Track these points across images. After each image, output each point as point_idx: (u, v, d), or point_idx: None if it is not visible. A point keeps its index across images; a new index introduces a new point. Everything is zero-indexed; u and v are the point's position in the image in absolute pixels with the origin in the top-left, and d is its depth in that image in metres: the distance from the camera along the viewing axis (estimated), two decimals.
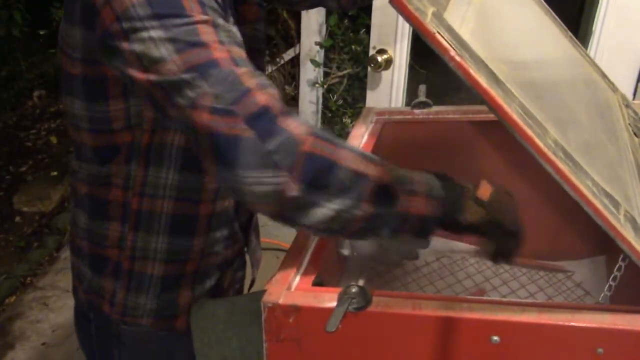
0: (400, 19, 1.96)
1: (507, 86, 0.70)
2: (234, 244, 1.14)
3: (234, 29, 0.87)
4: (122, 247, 1.06)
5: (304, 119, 0.82)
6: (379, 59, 2.03)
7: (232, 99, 0.77)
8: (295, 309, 0.74)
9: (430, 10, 0.71)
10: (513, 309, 0.69)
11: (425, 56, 2.71)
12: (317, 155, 0.78)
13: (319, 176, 0.78)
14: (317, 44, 2.75)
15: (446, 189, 0.83)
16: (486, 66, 0.71)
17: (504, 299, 0.72)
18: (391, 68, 2.05)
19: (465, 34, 0.74)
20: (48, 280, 2.81)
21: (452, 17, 0.76)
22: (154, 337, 1.14)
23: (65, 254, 2.92)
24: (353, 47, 2.79)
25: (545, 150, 0.67)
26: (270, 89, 0.80)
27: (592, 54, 1.89)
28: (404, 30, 1.99)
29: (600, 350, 0.66)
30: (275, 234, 2.88)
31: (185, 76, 0.78)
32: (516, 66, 0.86)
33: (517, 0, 1.09)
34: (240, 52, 0.82)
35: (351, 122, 2.86)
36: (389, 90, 2.10)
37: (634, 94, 1.90)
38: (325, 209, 0.78)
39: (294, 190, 0.77)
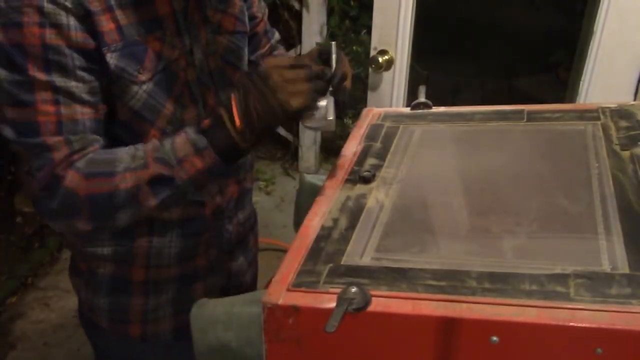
0: (402, 19, 1.97)
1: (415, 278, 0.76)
2: (192, 258, 1.16)
3: (86, 77, 0.94)
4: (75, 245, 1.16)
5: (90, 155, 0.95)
6: (380, 59, 2.03)
7: (37, 167, 0.92)
8: (295, 310, 0.74)
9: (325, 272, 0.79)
10: (513, 309, 0.69)
11: (427, 57, 2.71)
12: (94, 194, 0.92)
13: (104, 208, 0.93)
14: (318, 44, 2.75)
15: (209, 131, 0.93)
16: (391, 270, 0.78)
17: (504, 299, 0.72)
18: (392, 69, 2.05)
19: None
20: (49, 280, 2.81)
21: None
22: (112, 341, 1.21)
23: (67, 254, 2.92)
24: (354, 48, 2.80)
25: (464, 310, 0.70)
26: (77, 142, 0.93)
27: (593, 54, 1.89)
28: (405, 31, 1.99)
29: (599, 350, 0.66)
30: (276, 234, 2.88)
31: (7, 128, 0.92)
32: (449, 202, 0.95)
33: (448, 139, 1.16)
34: (72, 113, 0.92)
35: (352, 123, 2.86)
36: (390, 91, 2.10)
37: (635, 95, 1.90)
38: (123, 216, 0.94)
39: (87, 226, 0.95)
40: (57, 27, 0.89)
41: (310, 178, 1.17)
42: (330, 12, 2.76)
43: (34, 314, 2.62)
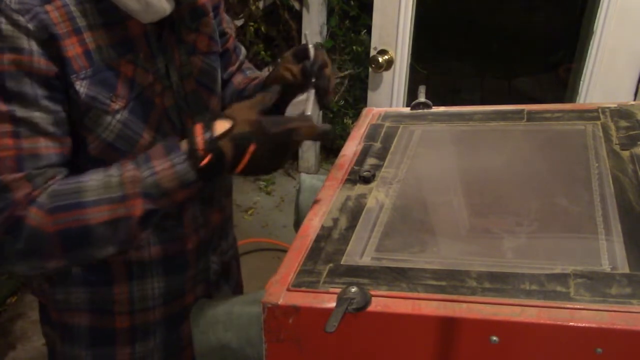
0: (402, 19, 1.97)
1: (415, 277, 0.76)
2: (180, 297, 1.11)
3: (51, 107, 0.86)
4: (46, 296, 1.08)
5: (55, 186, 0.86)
6: (380, 59, 2.03)
7: None
8: (295, 310, 0.74)
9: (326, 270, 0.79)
10: (513, 309, 0.69)
11: (426, 57, 2.71)
12: (64, 229, 0.83)
13: (78, 243, 0.85)
14: (318, 44, 2.75)
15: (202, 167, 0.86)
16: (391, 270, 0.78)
17: (504, 299, 0.72)
18: (392, 69, 2.05)
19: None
20: None
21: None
22: None
23: None
24: (354, 47, 2.80)
25: (463, 308, 0.70)
26: (39, 178, 0.85)
27: (592, 55, 1.89)
28: (405, 30, 1.99)
29: (599, 350, 0.66)
30: (276, 234, 2.88)
31: None
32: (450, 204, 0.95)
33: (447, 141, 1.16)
34: (35, 147, 0.85)
35: (352, 123, 2.86)
36: (390, 90, 2.10)
37: (635, 95, 1.90)
38: (105, 252, 0.86)
39: (61, 262, 0.86)
40: (17, 51, 0.82)
41: (310, 178, 1.17)
42: (330, 12, 2.76)
43: (34, 314, 2.62)
